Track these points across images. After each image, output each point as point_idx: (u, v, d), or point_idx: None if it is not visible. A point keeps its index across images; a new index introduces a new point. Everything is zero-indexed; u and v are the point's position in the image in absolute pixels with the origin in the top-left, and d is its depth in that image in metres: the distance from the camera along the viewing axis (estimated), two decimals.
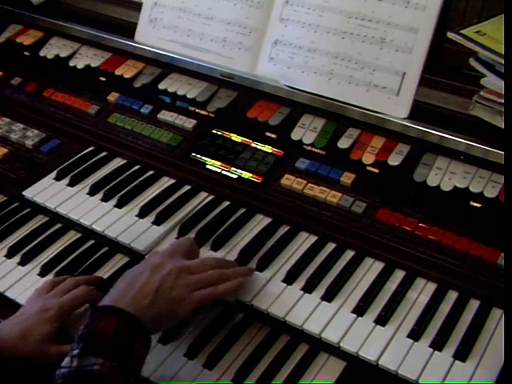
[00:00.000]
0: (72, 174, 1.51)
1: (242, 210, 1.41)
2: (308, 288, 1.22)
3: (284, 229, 1.36)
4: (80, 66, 1.76)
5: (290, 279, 1.24)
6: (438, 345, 1.11)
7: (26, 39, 1.87)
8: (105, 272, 1.34)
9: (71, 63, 1.78)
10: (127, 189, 1.47)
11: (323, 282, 1.24)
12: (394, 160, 1.37)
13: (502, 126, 1.27)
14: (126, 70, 1.70)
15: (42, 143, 1.62)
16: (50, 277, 1.34)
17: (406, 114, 1.38)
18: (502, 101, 1.25)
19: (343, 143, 1.42)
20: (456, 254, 1.23)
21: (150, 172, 1.52)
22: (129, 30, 1.73)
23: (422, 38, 1.36)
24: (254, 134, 1.52)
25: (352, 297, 1.21)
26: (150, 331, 1.06)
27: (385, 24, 1.40)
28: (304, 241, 1.33)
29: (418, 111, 1.39)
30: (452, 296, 1.20)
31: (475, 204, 1.29)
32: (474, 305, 1.18)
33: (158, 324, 1.09)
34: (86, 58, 1.77)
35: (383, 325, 1.15)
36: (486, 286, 1.18)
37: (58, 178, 1.51)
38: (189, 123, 1.57)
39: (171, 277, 1.12)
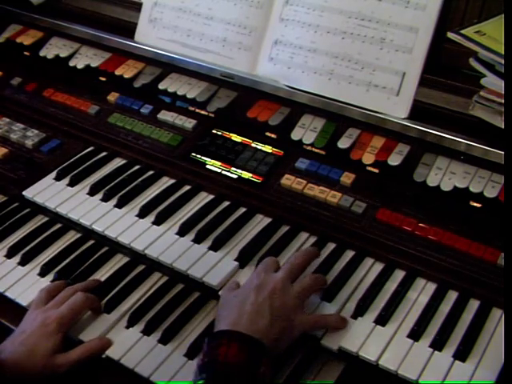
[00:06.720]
0: (72, 174, 1.51)
1: (242, 210, 1.41)
2: None
3: (284, 229, 1.36)
4: (80, 66, 1.76)
5: None
6: (437, 345, 1.11)
7: (26, 39, 1.87)
8: (105, 272, 1.34)
9: (71, 63, 1.78)
10: (127, 189, 1.47)
11: None
12: (394, 160, 1.37)
13: (502, 126, 1.26)
14: (126, 70, 1.70)
15: (42, 143, 1.62)
16: (49, 277, 1.33)
17: (406, 114, 1.38)
18: (502, 101, 1.25)
19: (343, 143, 1.42)
20: (456, 254, 1.22)
21: (150, 172, 1.52)
22: (129, 30, 1.73)
23: (422, 38, 1.36)
24: (253, 134, 1.52)
25: (352, 297, 1.21)
26: (271, 352, 1.02)
27: (385, 24, 1.40)
28: (304, 241, 1.33)
29: (418, 111, 1.38)
30: (452, 296, 1.20)
31: (475, 204, 1.29)
32: (473, 305, 1.18)
33: (279, 342, 1.06)
34: (86, 58, 1.77)
35: (383, 325, 1.15)
36: (486, 286, 1.18)
37: (57, 178, 1.51)
38: (189, 123, 1.57)
39: (278, 292, 1.10)
